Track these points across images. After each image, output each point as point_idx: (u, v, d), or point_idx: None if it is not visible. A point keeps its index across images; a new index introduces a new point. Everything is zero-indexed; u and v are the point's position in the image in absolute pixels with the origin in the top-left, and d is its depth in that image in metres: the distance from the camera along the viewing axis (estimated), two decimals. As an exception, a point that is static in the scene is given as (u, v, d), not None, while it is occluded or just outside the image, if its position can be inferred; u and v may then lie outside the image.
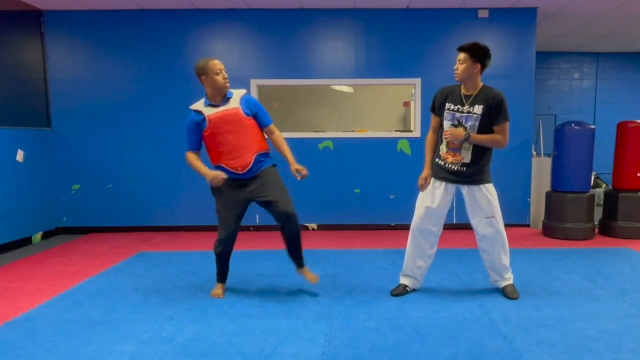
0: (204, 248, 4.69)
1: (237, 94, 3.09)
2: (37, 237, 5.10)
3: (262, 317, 2.80)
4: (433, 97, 3.11)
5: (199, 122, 2.99)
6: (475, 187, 2.97)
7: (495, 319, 2.75)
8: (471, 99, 2.92)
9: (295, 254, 3.21)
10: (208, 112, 2.98)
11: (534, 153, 5.85)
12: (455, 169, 2.96)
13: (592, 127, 4.96)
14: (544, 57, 7.52)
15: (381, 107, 7.59)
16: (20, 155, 4.85)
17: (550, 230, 5.05)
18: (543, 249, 4.50)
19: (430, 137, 3.13)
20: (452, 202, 3.10)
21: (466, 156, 2.94)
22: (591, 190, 5.11)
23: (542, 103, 7.76)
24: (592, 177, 5.64)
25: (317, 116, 7.47)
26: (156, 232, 5.48)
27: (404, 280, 3.22)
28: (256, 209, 5.56)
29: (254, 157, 3.02)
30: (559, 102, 7.88)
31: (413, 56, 5.38)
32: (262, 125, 3.11)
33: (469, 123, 2.90)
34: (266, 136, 3.16)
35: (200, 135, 3.02)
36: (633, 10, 5.44)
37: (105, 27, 5.31)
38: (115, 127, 5.41)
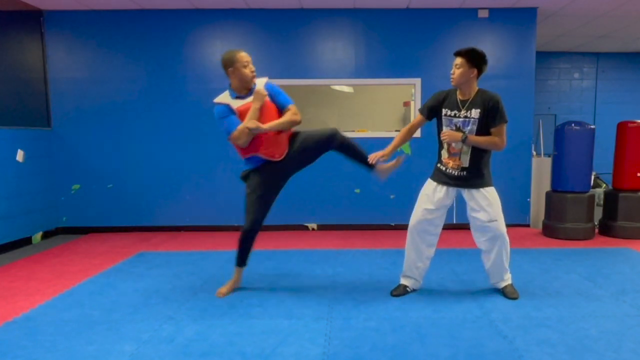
0: (204, 248, 4.69)
1: (259, 84, 3.07)
2: (37, 237, 5.10)
3: (262, 317, 2.80)
4: (428, 99, 3.12)
5: (228, 112, 2.98)
6: (474, 191, 2.97)
7: (495, 319, 2.75)
8: (467, 104, 2.92)
9: (360, 159, 3.22)
10: (235, 104, 2.98)
11: (534, 153, 5.85)
12: (456, 173, 2.97)
13: (592, 127, 4.96)
14: (544, 57, 7.51)
15: (381, 107, 7.58)
16: (20, 155, 4.85)
17: (550, 230, 5.05)
18: (543, 249, 4.50)
19: (404, 130, 3.15)
20: (452, 203, 3.10)
21: (465, 161, 2.94)
22: (591, 190, 5.11)
23: (542, 103, 7.76)
24: (592, 177, 5.64)
25: (317, 116, 7.47)
26: (156, 232, 5.48)
27: (404, 281, 3.22)
28: (256, 209, 5.58)
29: (287, 142, 3.07)
30: (559, 102, 7.88)
31: (413, 56, 5.38)
32: (280, 108, 3.08)
33: (467, 128, 2.91)
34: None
35: (237, 118, 2.97)
36: (633, 10, 5.44)
37: (105, 27, 5.31)
38: (116, 127, 5.41)
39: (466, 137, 2.88)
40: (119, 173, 5.47)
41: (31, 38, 5.17)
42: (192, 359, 2.29)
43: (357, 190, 5.52)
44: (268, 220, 5.50)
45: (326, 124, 7.27)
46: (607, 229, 5.11)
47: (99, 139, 5.42)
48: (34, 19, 5.20)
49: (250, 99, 3.00)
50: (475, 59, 2.90)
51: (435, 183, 3.07)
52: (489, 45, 5.39)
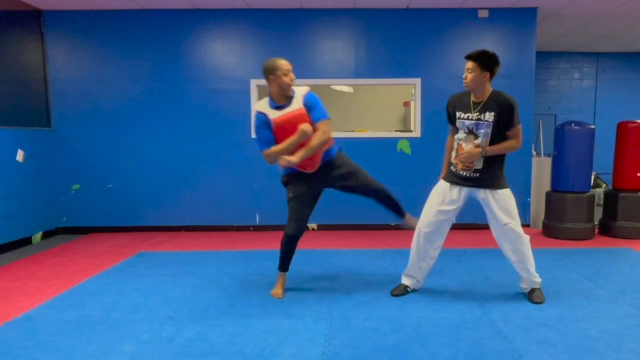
0: (204, 248, 4.69)
1: (299, 93, 3.04)
2: (37, 237, 5.10)
3: (262, 317, 2.80)
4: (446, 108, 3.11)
5: (265, 123, 2.98)
6: (489, 192, 2.91)
7: (495, 319, 2.75)
8: (480, 106, 2.88)
9: (396, 211, 3.38)
10: (273, 115, 2.96)
11: (534, 153, 5.85)
12: (468, 175, 2.93)
13: (592, 127, 4.96)
14: (544, 57, 7.52)
15: (381, 107, 7.59)
16: (20, 155, 4.85)
17: (550, 230, 5.05)
18: (543, 249, 4.50)
19: (448, 141, 3.14)
20: (464, 204, 3.06)
21: (478, 163, 2.90)
22: (591, 190, 5.11)
23: (542, 103, 7.76)
24: (592, 177, 5.64)
25: (317, 116, 7.47)
26: (156, 232, 5.48)
27: (405, 280, 3.22)
28: (255, 209, 5.60)
29: (321, 155, 3.07)
30: (559, 102, 7.88)
31: (413, 56, 5.38)
32: (312, 122, 2.98)
33: (481, 130, 2.86)
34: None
35: (271, 133, 2.99)
36: (633, 10, 5.44)
37: (105, 27, 5.31)
38: (115, 127, 5.41)
39: (486, 154, 2.85)
40: (119, 173, 5.47)
41: (31, 38, 5.17)
42: (192, 359, 2.29)
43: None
44: (268, 220, 5.55)
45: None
46: (607, 229, 5.11)
47: (99, 139, 5.42)
48: (34, 19, 5.20)
49: (287, 109, 2.97)
50: (486, 62, 2.85)
51: (447, 183, 3.02)
52: (489, 45, 5.36)
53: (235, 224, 5.57)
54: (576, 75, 7.85)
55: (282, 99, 3.00)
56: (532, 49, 5.38)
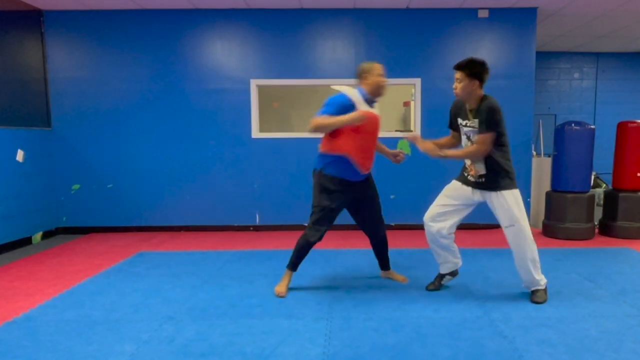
0: (204, 248, 4.69)
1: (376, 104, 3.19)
2: (37, 237, 5.10)
3: (262, 317, 2.80)
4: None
5: (349, 107, 3.01)
6: (492, 194, 2.95)
7: (495, 319, 2.75)
8: (473, 113, 2.93)
9: (384, 256, 3.48)
10: (362, 106, 3.04)
11: (534, 153, 5.85)
12: (475, 180, 3.01)
13: (592, 127, 4.96)
14: (544, 57, 7.52)
15: (381, 107, 7.56)
16: (20, 155, 4.85)
17: (550, 230, 5.05)
18: (543, 249, 4.48)
19: (448, 137, 3.21)
20: (474, 204, 3.09)
21: (480, 168, 2.95)
22: (591, 190, 5.11)
23: (542, 103, 7.76)
24: (592, 177, 5.64)
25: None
26: (156, 232, 5.48)
27: (442, 269, 3.28)
28: (255, 209, 5.60)
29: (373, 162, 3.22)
30: (559, 102, 7.88)
31: (413, 56, 5.38)
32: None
33: (475, 137, 2.92)
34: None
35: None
36: (633, 10, 5.44)
37: (105, 27, 5.31)
38: (115, 127, 5.41)
39: (445, 155, 2.93)
40: (119, 173, 5.47)
41: (31, 38, 5.17)
42: (192, 359, 2.29)
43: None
44: (268, 220, 5.55)
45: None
46: (607, 229, 5.11)
47: (99, 139, 5.42)
48: (34, 19, 5.20)
49: (374, 110, 3.15)
50: (474, 71, 2.87)
51: (460, 182, 3.10)
52: (489, 45, 5.39)
53: (235, 224, 5.57)
54: (576, 75, 7.85)
55: (373, 97, 3.15)
56: (532, 49, 5.38)
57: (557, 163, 5.02)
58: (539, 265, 3.03)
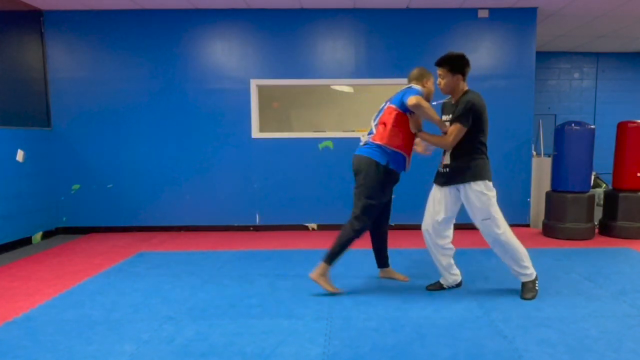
0: (204, 248, 4.69)
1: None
2: (37, 237, 5.10)
3: (262, 317, 2.80)
4: None
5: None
6: (461, 187, 2.99)
7: (495, 319, 2.75)
8: (454, 106, 2.97)
9: (385, 252, 3.47)
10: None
11: (534, 153, 5.85)
12: (442, 171, 3.06)
13: (592, 127, 4.96)
14: (544, 57, 7.52)
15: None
16: (20, 155, 4.85)
17: (550, 230, 5.05)
18: (543, 249, 4.50)
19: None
20: (458, 202, 3.10)
21: (446, 158, 3.01)
22: (591, 190, 5.11)
23: (542, 103, 7.76)
24: (592, 177, 5.64)
25: (317, 116, 7.47)
26: (156, 232, 5.48)
27: (441, 280, 3.29)
28: (255, 209, 5.60)
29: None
30: (559, 102, 7.88)
31: (413, 56, 5.37)
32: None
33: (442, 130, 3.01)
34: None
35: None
36: (633, 10, 5.44)
37: (105, 27, 5.31)
38: (115, 127, 5.41)
39: (416, 134, 3.05)
40: (119, 173, 5.47)
41: (31, 38, 5.17)
42: (192, 359, 2.29)
43: (357, 190, 5.51)
44: (268, 220, 5.55)
45: (326, 124, 7.27)
46: (607, 229, 5.11)
47: (99, 139, 5.42)
48: (34, 19, 5.20)
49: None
50: (455, 65, 2.91)
51: (435, 184, 3.15)
52: (489, 45, 5.39)
53: (235, 224, 5.57)
54: (576, 75, 7.85)
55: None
56: (532, 49, 5.38)
57: (557, 163, 5.02)
58: (521, 255, 3.04)
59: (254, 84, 5.40)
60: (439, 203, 3.08)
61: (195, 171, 5.48)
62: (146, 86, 5.38)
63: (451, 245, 3.20)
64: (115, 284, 3.49)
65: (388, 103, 3.19)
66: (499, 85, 5.34)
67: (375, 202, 3.12)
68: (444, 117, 3.06)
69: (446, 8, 5.29)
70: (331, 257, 3.17)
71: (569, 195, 4.90)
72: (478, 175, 2.93)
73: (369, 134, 3.19)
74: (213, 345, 2.43)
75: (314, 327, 2.64)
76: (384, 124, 3.10)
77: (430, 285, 3.30)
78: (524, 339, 2.48)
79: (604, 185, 6.50)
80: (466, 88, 2.98)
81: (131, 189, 5.49)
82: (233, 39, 5.38)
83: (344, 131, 6.12)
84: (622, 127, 5.12)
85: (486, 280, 3.49)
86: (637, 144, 4.99)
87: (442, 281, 3.29)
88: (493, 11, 5.31)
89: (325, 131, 6.27)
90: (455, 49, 5.44)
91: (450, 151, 2.98)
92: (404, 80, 5.38)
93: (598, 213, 5.34)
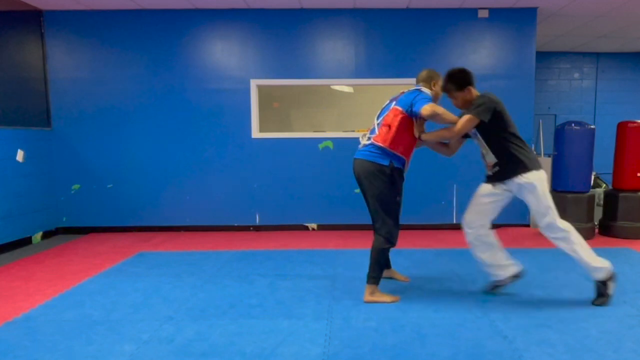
0: (204, 248, 4.69)
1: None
2: (37, 237, 5.10)
3: (262, 317, 2.80)
4: None
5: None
6: (514, 180, 2.92)
7: (495, 319, 2.75)
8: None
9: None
10: None
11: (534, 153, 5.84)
12: (492, 173, 3.03)
13: (592, 127, 4.96)
14: (544, 57, 7.52)
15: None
16: (20, 155, 4.85)
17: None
18: (543, 249, 4.50)
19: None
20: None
21: (491, 159, 2.98)
22: (591, 190, 5.11)
23: (542, 103, 7.76)
24: (592, 177, 5.64)
25: (317, 116, 7.47)
26: (156, 232, 5.48)
27: (495, 279, 3.19)
28: (256, 209, 5.60)
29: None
30: (559, 102, 7.88)
31: (413, 56, 5.38)
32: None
33: (478, 137, 3.00)
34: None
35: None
36: (633, 10, 5.44)
37: (105, 27, 5.31)
38: (115, 127, 5.41)
39: (419, 136, 3.02)
40: (119, 173, 5.47)
41: (31, 38, 5.17)
42: (192, 359, 2.29)
43: (357, 190, 5.50)
44: (268, 220, 5.55)
45: (326, 124, 7.28)
46: (607, 229, 5.11)
47: (99, 139, 5.42)
48: (34, 19, 5.20)
49: None
50: (460, 82, 2.96)
51: (484, 183, 3.10)
52: (489, 45, 5.39)
53: (235, 224, 5.57)
54: (576, 75, 7.85)
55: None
56: (532, 49, 5.38)
57: (557, 163, 5.02)
58: (587, 253, 2.94)
59: (254, 84, 5.40)
60: (487, 197, 3.04)
61: (195, 171, 5.48)
62: (146, 86, 5.38)
63: (493, 237, 3.12)
64: (115, 284, 3.49)
65: (394, 103, 3.09)
66: (498, 85, 5.33)
67: (391, 205, 3.02)
68: None
69: (446, 8, 5.29)
70: (373, 277, 3.05)
71: (569, 195, 4.89)
72: (530, 165, 2.90)
73: (371, 132, 3.11)
74: (213, 345, 2.43)
75: (314, 327, 2.64)
76: (389, 126, 3.00)
77: (488, 286, 3.22)
78: (524, 339, 2.48)
79: (604, 185, 6.50)
80: (477, 94, 2.99)
81: (131, 189, 5.49)
82: (233, 39, 5.38)
83: (344, 131, 6.12)
84: (622, 127, 5.12)
85: (486, 280, 3.48)
86: (637, 144, 4.99)
87: (495, 280, 3.18)
88: (493, 11, 5.31)
89: (325, 131, 6.27)
90: (455, 49, 5.50)
91: (489, 150, 2.96)
92: (404, 80, 5.46)
93: (598, 213, 5.34)
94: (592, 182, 5.36)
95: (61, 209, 5.48)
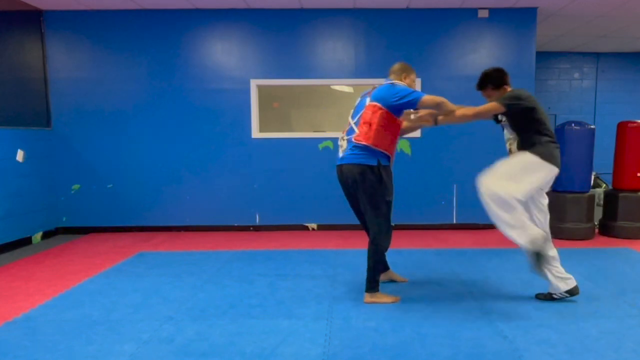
0: (204, 248, 4.69)
1: None
2: (37, 237, 5.10)
3: (262, 317, 2.80)
4: None
5: None
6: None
7: (495, 319, 2.75)
8: None
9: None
10: None
11: (534, 153, 5.84)
12: None
13: (592, 127, 4.96)
14: (544, 57, 7.51)
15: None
16: (20, 155, 4.85)
17: (550, 230, 5.04)
18: (543, 249, 4.50)
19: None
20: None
21: (515, 148, 3.07)
22: (591, 190, 5.11)
23: (542, 103, 7.62)
24: (592, 177, 5.63)
25: (317, 116, 7.47)
26: (156, 232, 5.48)
27: (551, 289, 3.07)
28: (255, 209, 5.60)
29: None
30: (559, 102, 7.88)
31: (413, 56, 5.37)
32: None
33: (509, 129, 3.09)
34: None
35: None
36: (633, 10, 5.44)
37: (105, 27, 5.31)
38: (115, 127, 5.41)
39: (435, 122, 3.02)
40: (119, 173, 5.47)
41: (31, 38, 5.17)
42: (192, 359, 2.29)
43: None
44: (268, 220, 5.55)
45: (326, 124, 7.27)
46: (607, 229, 5.11)
47: (99, 139, 5.42)
48: (34, 19, 5.20)
49: None
50: (497, 81, 2.99)
51: None
52: (489, 45, 5.39)
53: (235, 224, 5.57)
54: (576, 75, 7.85)
55: None
56: (532, 49, 5.38)
57: (557, 163, 5.01)
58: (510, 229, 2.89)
59: (254, 84, 5.40)
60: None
61: (195, 171, 5.48)
62: (146, 86, 5.38)
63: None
64: (115, 284, 3.49)
65: (368, 99, 2.99)
66: (499, 85, 5.33)
67: (382, 206, 2.95)
68: (499, 117, 3.14)
69: (446, 8, 5.29)
70: (372, 285, 3.02)
71: (569, 195, 4.89)
72: (540, 151, 2.93)
73: (349, 133, 3.03)
74: (213, 345, 2.43)
75: (314, 327, 2.64)
76: (369, 123, 2.90)
77: (540, 294, 3.12)
78: (524, 339, 2.48)
79: (604, 185, 6.50)
80: (511, 89, 3.03)
81: (131, 189, 5.49)
82: (233, 39, 5.38)
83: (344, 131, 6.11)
84: (622, 127, 5.12)
85: (486, 280, 3.49)
86: (637, 144, 4.99)
87: (550, 290, 3.05)
88: (493, 11, 5.31)
89: (325, 131, 6.27)
90: (455, 49, 5.50)
91: (515, 141, 3.03)
92: (404, 80, 5.46)
93: (598, 213, 5.34)
94: (592, 182, 5.36)
95: (61, 209, 5.48)
